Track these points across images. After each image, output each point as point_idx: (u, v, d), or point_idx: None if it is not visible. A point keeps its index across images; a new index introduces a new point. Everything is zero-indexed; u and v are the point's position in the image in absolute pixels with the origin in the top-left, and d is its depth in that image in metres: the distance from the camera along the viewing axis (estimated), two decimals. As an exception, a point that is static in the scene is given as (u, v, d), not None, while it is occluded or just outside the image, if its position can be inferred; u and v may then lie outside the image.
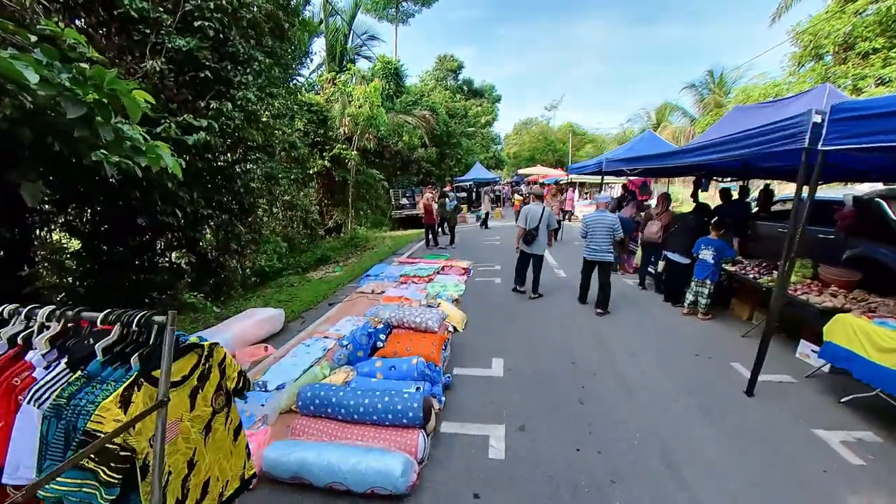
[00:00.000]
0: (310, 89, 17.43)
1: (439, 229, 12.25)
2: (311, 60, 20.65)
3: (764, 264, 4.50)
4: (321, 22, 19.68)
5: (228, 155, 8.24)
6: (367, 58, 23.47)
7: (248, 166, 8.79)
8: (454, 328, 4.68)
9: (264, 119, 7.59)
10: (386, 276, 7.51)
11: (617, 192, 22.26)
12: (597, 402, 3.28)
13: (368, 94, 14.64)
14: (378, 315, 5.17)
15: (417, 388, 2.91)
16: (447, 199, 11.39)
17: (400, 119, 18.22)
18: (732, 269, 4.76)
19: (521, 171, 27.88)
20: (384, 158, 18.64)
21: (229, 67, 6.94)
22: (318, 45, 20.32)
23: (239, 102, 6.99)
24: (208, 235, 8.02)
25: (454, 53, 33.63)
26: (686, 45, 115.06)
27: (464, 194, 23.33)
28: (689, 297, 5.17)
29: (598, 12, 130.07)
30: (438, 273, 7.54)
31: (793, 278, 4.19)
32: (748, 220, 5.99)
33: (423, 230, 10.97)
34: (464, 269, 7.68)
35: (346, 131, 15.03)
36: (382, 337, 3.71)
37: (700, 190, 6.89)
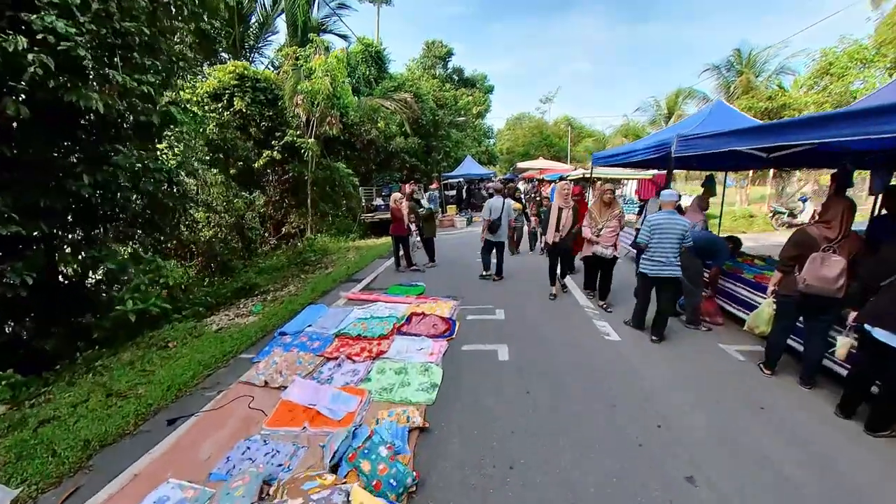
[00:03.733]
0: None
1: (418, 240, 9.17)
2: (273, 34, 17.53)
3: None
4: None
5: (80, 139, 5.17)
6: (342, 36, 20.24)
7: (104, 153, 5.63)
8: None
9: (112, 76, 4.40)
10: (311, 337, 4.40)
11: (631, 189, 19.29)
12: None
13: (330, 66, 11.43)
14: (232, 483, 2.11)
15: None
16: (423, 201, 8.33)
17: (375, 103, 14.98)
18: None
19: (520, 165, 24.77)
20: (355, 150, 15.43)
21: (29, -25, 3.87)
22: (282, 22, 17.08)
23: (40, 36, 3.91)
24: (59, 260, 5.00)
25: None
26: (685, 44, 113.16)
27: (453, 192, 20.33)
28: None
29: (596, 10, 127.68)
30: (400, 329, 4.48)
31: None
32: None
33: (393, 244, 7.86)
34: (444, 321, 4.62)
35: (302, 113, 11.81)
36: None
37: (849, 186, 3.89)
